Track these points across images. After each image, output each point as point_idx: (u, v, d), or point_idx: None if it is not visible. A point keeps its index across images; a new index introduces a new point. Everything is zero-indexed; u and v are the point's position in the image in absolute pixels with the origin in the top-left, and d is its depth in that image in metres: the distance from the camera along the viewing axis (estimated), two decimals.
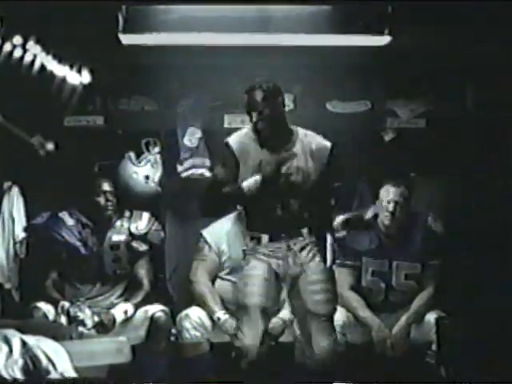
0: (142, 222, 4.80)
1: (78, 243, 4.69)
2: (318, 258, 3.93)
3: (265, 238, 3.91)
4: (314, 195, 3.91)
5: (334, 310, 3.96)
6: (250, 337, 3.84)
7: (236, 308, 4.09)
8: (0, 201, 4.93)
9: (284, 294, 4.03)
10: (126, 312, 4.55)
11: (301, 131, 3.96)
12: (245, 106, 3.89)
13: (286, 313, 4.47)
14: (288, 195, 3.88)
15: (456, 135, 5.02)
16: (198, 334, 4.53)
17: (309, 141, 3.94)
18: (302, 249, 3.92)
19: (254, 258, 3.91)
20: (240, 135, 3.96)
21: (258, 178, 3.82)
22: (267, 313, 3.92)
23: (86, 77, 4.88)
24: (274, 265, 3.90)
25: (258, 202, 3.86)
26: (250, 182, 3.83)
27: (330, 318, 3.92)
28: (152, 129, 5.09)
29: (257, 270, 3.90)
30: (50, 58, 4.61)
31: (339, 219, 4.52)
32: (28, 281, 4.90)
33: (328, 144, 3.97)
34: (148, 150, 5.12)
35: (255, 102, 3.83)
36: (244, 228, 4.22)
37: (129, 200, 4.90)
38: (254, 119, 3.85)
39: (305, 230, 3.93)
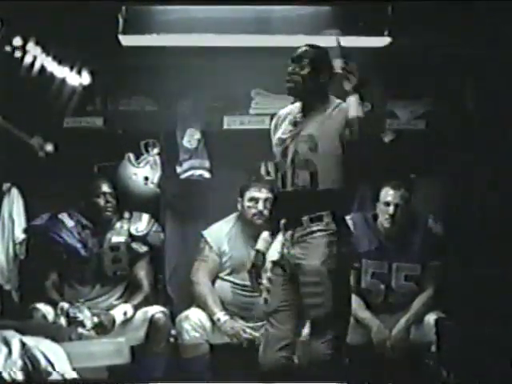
0: (141, 224, 4.80)
1: (78, 244, 4.69)
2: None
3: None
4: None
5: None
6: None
7: None
8: (0, 202, 4.94)
9: None
10: (125, 313, 4.54)
11: (336, 102, 3.60)
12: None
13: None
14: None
15: (456, 136, 5.01)
16: (197, 335, 4.52)
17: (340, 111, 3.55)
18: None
19: None
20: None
21: None
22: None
23: (85, 78, 4.89)
24: None
25: None
26: None
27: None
28: (151, 130, 5.08)
29: None
30: (49, 59, 4.63)
31: None
32: (28, 282, 4.88)
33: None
34: (147, 152, 5.11)
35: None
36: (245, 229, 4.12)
37: (128, 201, 4.90)
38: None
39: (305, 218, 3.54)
